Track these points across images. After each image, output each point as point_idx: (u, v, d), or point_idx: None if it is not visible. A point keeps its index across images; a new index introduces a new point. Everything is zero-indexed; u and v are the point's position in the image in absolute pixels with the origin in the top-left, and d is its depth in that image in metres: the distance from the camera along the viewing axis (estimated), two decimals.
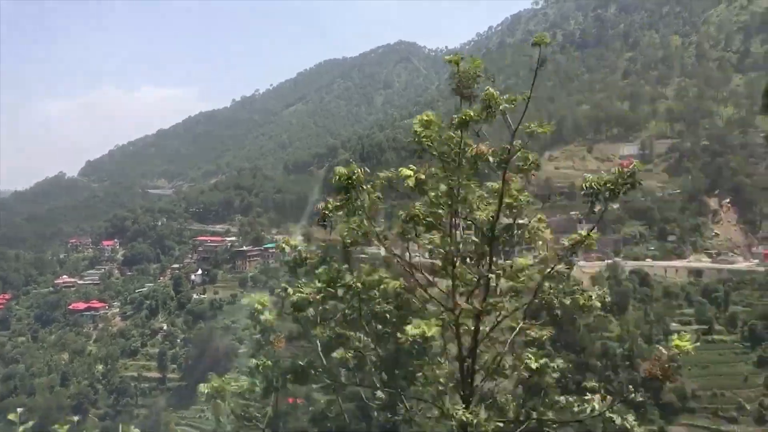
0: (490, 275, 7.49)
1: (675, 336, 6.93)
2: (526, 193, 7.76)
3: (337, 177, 7.59)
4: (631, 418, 6.83)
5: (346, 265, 8.10)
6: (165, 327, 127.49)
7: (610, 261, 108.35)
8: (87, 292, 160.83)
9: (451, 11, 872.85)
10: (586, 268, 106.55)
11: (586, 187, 7.18)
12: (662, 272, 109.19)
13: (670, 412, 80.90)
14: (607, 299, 7.58)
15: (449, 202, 7.64)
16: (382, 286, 8.01)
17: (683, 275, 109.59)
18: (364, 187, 7.65)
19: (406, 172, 7.64)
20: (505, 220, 7.78)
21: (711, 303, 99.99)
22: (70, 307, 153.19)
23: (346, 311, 8.14)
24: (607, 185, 7.11)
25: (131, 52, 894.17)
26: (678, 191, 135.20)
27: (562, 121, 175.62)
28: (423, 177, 7.58)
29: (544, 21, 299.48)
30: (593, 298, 7.58)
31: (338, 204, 7.79)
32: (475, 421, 6.61)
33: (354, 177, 7.55)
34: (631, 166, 7.16)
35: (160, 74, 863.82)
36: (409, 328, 6.80)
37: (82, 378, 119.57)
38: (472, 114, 7.30)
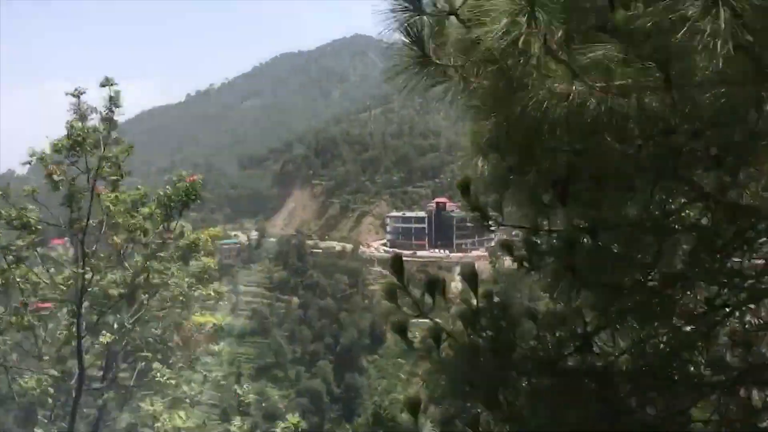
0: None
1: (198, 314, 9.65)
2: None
3: None
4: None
5: None
6: (116, 326, 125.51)
7: None
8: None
9: None
10: None
11: (159, 200, 8.87)
12: None
13: None
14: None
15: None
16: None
17: None
18: None
19: None
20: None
21: None
22: (17, 306, 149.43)
23: None
24: (176, 198, 9.04)
25: (83, 44, 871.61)
26: None
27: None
28: None
29: None
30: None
31: None
32: None
33: None
34: (193, 181, 9.04)
35: (113, 67, 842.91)
36: None
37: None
38: (61, 143, 9.03)
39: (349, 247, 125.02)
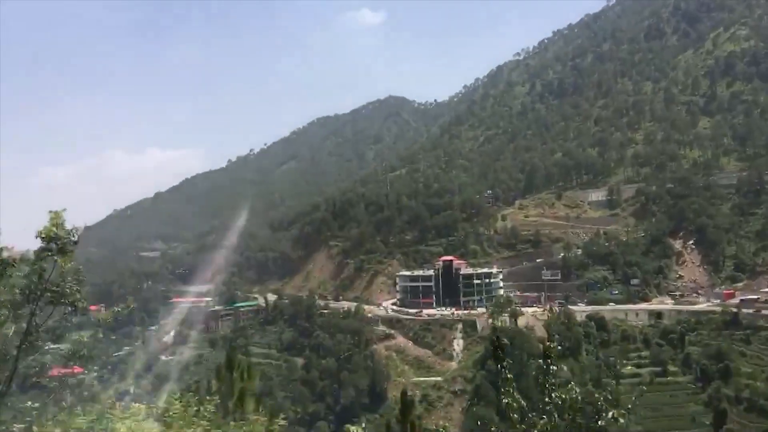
0: None
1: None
2: None
3: None
4: None
5: None
6: (132, 390, 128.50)
7: (564, 306, 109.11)
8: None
9: (441, 65, 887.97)
10: (538, 313, 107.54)
11: None
12: (623, 316, 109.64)
13: None
14: None
15: None
16: None
17: (644, 318, 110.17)
18: None
19: None
20: None
21: (668, 344, 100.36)
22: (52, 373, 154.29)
23: None
24: None
25: (128, 115, 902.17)
26: (642, 234, 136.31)
27: (534, 169, 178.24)
28: None
29: (525, 72, 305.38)
30: None
31: None
32: None
33: None
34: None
35: (159, 136, 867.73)
36: None
37: None
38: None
39: (359, 306, 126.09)
